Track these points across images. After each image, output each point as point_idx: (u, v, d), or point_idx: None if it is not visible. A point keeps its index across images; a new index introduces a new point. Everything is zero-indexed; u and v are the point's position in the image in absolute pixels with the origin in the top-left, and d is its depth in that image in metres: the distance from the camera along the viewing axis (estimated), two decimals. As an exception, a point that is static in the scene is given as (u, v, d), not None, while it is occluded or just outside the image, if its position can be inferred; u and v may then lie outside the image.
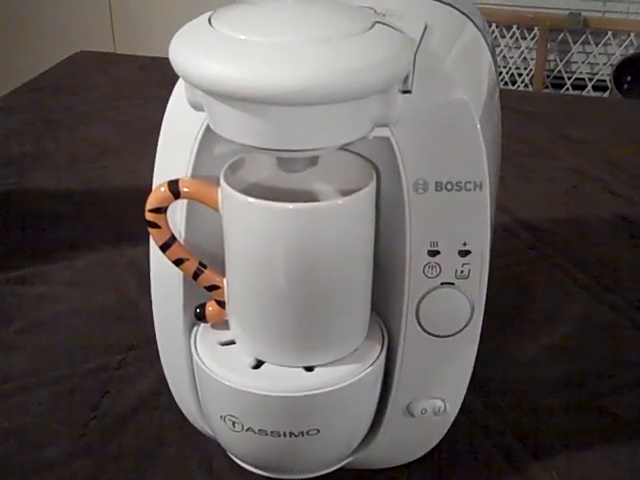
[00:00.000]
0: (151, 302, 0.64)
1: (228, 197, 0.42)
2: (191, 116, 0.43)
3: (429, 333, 0.44)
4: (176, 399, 0.50)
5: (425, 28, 0.43)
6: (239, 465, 0.47)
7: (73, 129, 0.99)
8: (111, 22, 2.34)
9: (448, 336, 0.44)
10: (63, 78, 1.17)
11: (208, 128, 0.43)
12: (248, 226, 0.41)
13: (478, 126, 0.41)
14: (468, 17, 0.51)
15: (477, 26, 0.52)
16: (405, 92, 0.40)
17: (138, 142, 0.96)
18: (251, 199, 0.40)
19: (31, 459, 0.49)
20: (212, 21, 0.38)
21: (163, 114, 1.05)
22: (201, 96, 0.39)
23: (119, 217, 0.79)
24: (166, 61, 1.19)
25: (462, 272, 0.43)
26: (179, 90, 0.45)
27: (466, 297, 0.43)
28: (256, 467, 0.47)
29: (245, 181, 0.43)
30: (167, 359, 0.49)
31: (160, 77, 1.17)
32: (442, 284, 0.43)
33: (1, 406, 0.54)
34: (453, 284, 0.43)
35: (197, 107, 0.41)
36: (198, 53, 0.36)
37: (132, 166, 0.90)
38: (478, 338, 0.44)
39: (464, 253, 0.43)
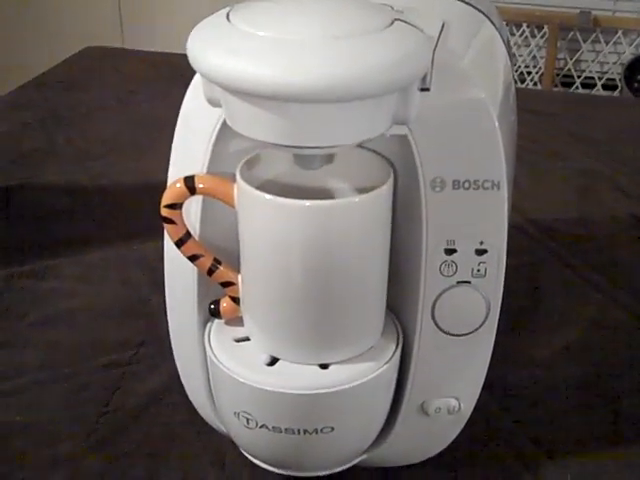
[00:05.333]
0: (162, 298, 0.64)
1: (244, 193, 0.41)
2: (207, 112, 0.43)
3: (445, 332, 0.44)
4: (189, 395, 0.50)
5: (443, 26, 0.43)
6: (252, 462, 0.47)
7: (83, 125, 0.99)
8: (120, 17, 2.34)
9: (464, 335, 0.44)
10: (72, 73, 1.17)
11: (224, 124, 0.43)
12: (264, 223, 0.41)
13: (496, 124, 0.41)
14: (486, 15, 0.51)
15: (494, 24, 0.52)
16: (423, 90, 0.40)
17: (148, 138, 0.96)
18: (267, 196, 0.40)
19: (44, 454, 0.49)
20: (230, 17, 0.38)
21: (173, 110, 1.04)
22: (218, 92, 0.39)
23: (130, 213, 0.79)
24: (176, 57, 1.21)
25: (479, 271, 0.43)
26: (195, 86, 0.44)
27: (482, 296, 0.43)
28: (269, 464, 0.46)
29: (261, 178, 0.43)
30: (180, 355, 0.49)
31: (170, 73, 1.16)
32: (458, 283, 0.43)
33: (14, 401, 0.54)
34: (469, 283, 0.43)
35: (214, 103, 0.41)
36: (216, 49, 0.36)
37: (143, 162, 0.90)
38: (494, 337, 0.44)
39: (481, 252, 0.42)
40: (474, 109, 0.41)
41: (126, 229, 0.76)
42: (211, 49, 0.36)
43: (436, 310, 0.43)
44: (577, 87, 2.20)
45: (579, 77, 2.21)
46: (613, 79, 2.21)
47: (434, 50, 0.39)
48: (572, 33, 2.15)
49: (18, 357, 0.58)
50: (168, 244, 0.46)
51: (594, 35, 2.15)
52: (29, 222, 0.76)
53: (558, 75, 2.21)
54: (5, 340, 0.60)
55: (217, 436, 0.50)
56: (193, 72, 1.03)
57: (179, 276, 0.47)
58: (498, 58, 0.51)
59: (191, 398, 0.50)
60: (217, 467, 0.49)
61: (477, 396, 0.46)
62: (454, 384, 0.45)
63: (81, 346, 0.59)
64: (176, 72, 1.19)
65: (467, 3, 0.50)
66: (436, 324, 0.44)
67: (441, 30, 0.42)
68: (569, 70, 2.21)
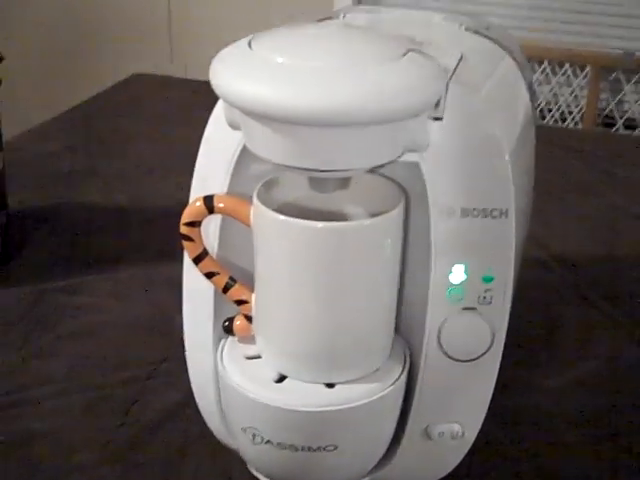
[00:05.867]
0: (185, 318, 0.66)
1: (259, 214, 0.43)
2: (229, 136, 0.45)
3: (450, 357, 0.45)
4: (201, 410, 0.51)
5: (461, 58, 0.45)
6: (258, 478, 0.48)
7: (124, 148, 1.02)
8: (170, 44, 2.40)
9: (469, 361, 0.45)
10: (117, 100, 1.21)
11: (244, 148, 0.45)
12: (278, 243, 0.43)
13: (507, 158, 0.42)
14: (507, 51, 0.52)
15: (516, 60, 0.53)
16: (436, 119, 0.41)
17: (185, 162, 0.98)
18: (282, 217, 0.42)
19: (60, 462, 0.51)
20: (252, 44, 0.40)
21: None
22: (239, 116, 0.41)
23: (164, 234, 0.81)
24: None
25: (485, 298, 0.44)
26: (218, 111, 0.46)
27: (487, 323, 0.44)
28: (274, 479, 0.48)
29: (278, 200, 0.45)
30: (194, 370, 0.50)
31: (209, 100, 1.20)
32: (464, 309, 0.44)
33: (37, 409, 0.55)
34: (475, 309, 0.44)
35: (235, 126, 0.43)
36: (237, 74, 0.38)
37: (179, 185, 0.92)
38: (498, 364, 0.45)
39: (488, 279, 0.43)
40: (485, 141, 0.42)
41: (158, 249, 0.78)
42: (232, 75, 0.38)
43: (442, 335, 0.44)
44: (618, 128, 2.19)
45: (621, 118, 2.20)
46: (656, 121, 2.20)
47: (449, 81, 0.41)
48: (615, 74, 2.15)
49: (44, 368, 0.60)
50: (187, 261, 0.48)
51: (637, 76, 2.15)
52: (66, 240, 0.78)
53: (600, 115, 2.21)
54: (34, 351, 0.62)
55: (226, 452, 0.51)
56: None
57: (196, 293, 0.48)
58: (517, 93, 0.52)
59: (203, 413, 0.51)
60: (224, 481, 0.50)
61: (481, 422, 0.46)
62: (458, 409, 0.46)
63: (105, 360, 0.61)
64: (215, 100, 1.24)
65: (490, 38, 0.52)
66: (441, 349, 0.44)
67: (458, 62, 0.44)
68: (611, 111, 2.20)
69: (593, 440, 0.54)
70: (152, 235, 0.81)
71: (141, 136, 1.06)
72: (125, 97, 1.22)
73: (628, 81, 2.15)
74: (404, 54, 0.39)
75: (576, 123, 2.18)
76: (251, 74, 0.38)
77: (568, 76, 2.16)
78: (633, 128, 2.18)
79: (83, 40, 2.36)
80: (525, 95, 0.53)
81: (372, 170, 0.42)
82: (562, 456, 0.52)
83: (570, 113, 2.19)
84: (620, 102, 2.20)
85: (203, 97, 1.38)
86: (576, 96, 2.19)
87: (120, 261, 0.75)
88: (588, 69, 2.12)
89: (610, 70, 2.14)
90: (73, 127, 1.09)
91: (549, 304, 0.69)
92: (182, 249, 0.78)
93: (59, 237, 0.79)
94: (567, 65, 2.13)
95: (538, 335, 0.64)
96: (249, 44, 0.40)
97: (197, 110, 1.18)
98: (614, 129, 2.18)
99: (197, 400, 0.51)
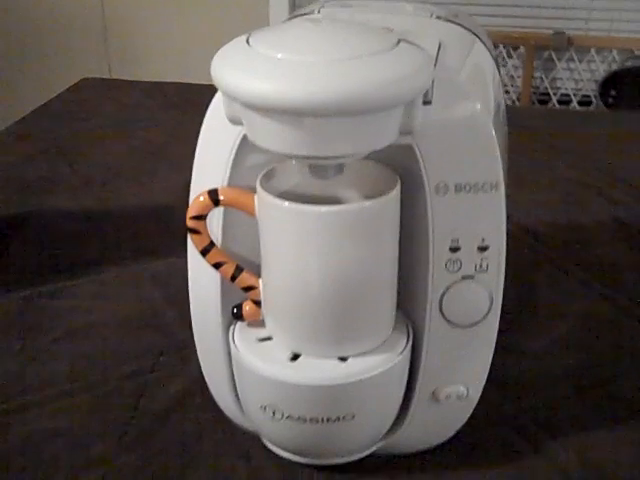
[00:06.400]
0: (176, 311, 0.68)
1: (264, 202, 0.45)
2: (227, 130, 0.47)
3: (452, 323, 0.48)
4: (214, 395, 0.53)
5: (439, 45, 0.48)
6: (276, 454, 0.51)
7: (85, 153, 1.03)
8: (106, 50, 2.38)
9: (469, 326, 0.48)
10: (70, 105, 1.21)
11: (242, 142, 0.47)
12: (283, 228, 0.45)
13: (493, 133, 0.45)
14: (477, 36, 0.55)
15: (485, 44, 0.56)
16: (426, 103, 0.44)
17: (148, 163, 1.00)
18: (286, 203, 0.44)
19: (79, 457, 0.52)
20: (250, 42, 0.42)
21: (169, 136, 1.10)
22: (240, 110, 0.43)
23: (136, 234, 0.83)
24: (167, 85, 1.27)
25: (481, 266, 0.47)
26: (214, 107, 0.48)
27: (485, 289, 0.47)
28: (294, 453, 0.50)
29: (277, 189, 0.47)
30: (205, 358, 0.52)
31: (163, 101, 1.21)
32: (463, 278, 0.47)
33: (45, 410, 0.56)
34: (473, 277, 0.47)
35: (235, 121, 0.44)
36: (240, 71, 0.40)
37: (145, 186, 0.94)
38: (497, 326, 0.48)
39: (483, 248, 0.46)
40: (472, 119, 0.45)
41: (136, 249, 0.79)
42: (234, 70, 0.40)
43: (443, 304, 0.47)
44: (553, 104, 2.27)
45: (555, 94, 2.28)
46: (588, 95, 2.28)
47: (434, 67, 0.44)
48: (547, 53, 2.22)
49: (46, 370, 0.61)
50: (192, 254, 0.49)
51: (568, 54, 2.23)
52: (43, 246, 0.79)
53: (535, 93, 2.28)
54: (31, 355, 0.63)
55: (240, 432, 0.53)
56: (185, 100, 1.11)
57: (203, 283, 0.50)
58: (489, 74, 0.56)
59: (216, 398, 0.53)
60: (244, 460, 0.52)
61: (484, 382, 0.50)
62: (462, 372, 0.49)
63: (104, 358, 0.62)
64: (170, 100, 1.25)
65: (459, 25, 0.55)
66: (444, 317, 0.48)
67: (438, 49, 0.47)
68: (545, 88, 2.28)
69: (581, 392, 0.58)
70: (128, 236, 0.82)
71: (100, 139, 1.07)
72: (77, 102, 1.22)
73: (560, 59, 2.23)
74: (396, 44, 0.41)
75: (513, 102, 2.25)
76: (255, 71, 0.40)
77: (503, 57, 2.22)
78: (567, 103, 2.26)
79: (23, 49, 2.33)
80: (497, 76, 0.57)
81: (367, 155, 0.44)
82: (554, 407, 0.56)
83: (507, 92, 2.26)
84: (553, 79, 2.27)
85: (156, 98, 1.39)
86: (512, 76, 2.25)
87: (101, 264, 0.76)
88: (522, 49, 2.19)
89: (542, 49, 2.21)
90: (28, 136, 1.09)
91: (522, 272, 0.73)
92: (158, 247, 0.80)
93: (35, 245, 0.80)
94: (501, 47, 2.20)
95: (516, 302, 0.68)
96: (247, 41, 0.42)
97: (152, 110, 1.19)
98: (549, 105, 2.25)
99: (210, 387, 0.53)
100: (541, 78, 2.26)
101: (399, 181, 0.46)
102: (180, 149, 1.02)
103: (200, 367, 0.54)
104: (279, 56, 0.40)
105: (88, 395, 0.58)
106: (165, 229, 0.82)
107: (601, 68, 2.25)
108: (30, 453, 0.53)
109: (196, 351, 0.53)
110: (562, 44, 2.16)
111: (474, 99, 0.45)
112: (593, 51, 2.23)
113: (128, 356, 0.63)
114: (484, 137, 0.45)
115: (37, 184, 0.94)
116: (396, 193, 0.45)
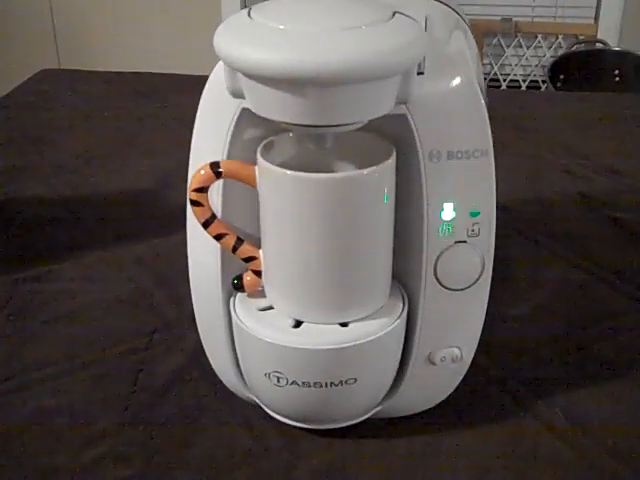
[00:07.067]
0: (164, 291, 0.69)
1: (265, 172, 0.47)
2: (225, 104, 0.48)
3: (446, 287, 0.50)
4: (214, 366, 0.54)
5: (426, 19, 0.49)
6: (277, 421, 0.52)
7: (54, 142, 1.02)
8: (55, 40, 2.36)
9: (463, 289, 0.50)
10: (32, 95, 1.20)
11: (241, 115, 0.48)
12: (284, 197, 0.47)
13: (482, 101, 0.47)
14: (457, 12, 0.57)
15: (464, 21, 0.58)
16: (419, 74, 0.46)
17: (118, 150, 1.00)
18: (288, 171, 0.45)
19: (83, 431, 0.53)
20: (251, 14, 0.43)
21: (136, 123, 1.10)
22: (243, 82, 0.44)
23: (115, 218, 0.83)
24: (128, 75, 1.28)
25: (473, 231, 0.49)
26: (212, 83, 0.49)
27: (477, 253, 0.49)
28: (296, 419, 0.52)
29: (276, 160, 0.48)
30: (206, 331, 0.53)
31: (126, 90, 1.21)
32: (456, 242, 0.49)
33: (44, 389, 0.57)
34: (466, 242, 0.49)
35: (236, 94, 0.45)
36: (244, 42, 0.41)
37: (117, 172, 0.94)
38: (489, 289, 0.50)
39: (474, 214, 0.49)
40: (462, 89, 0.47)
41: (115, 233, 0.79)
42: (238, 42, 0.41)
43: (438, 268, 0.49)
44: (503, 90, 2.32)
45: (504, 80, 2.33)
46: (536, 80, 2.34)
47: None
48: (496, 39, 2.27)
49: (40, 352, 0.61)
50: (191, 227, 0.50)
51: (516, 40, 2.28)
52: (23, 232, 0.79)
53: (485, 79, 2.33)
54: (23, 338, 0.63)
55: (240, 402, 0.55)
56: (146, 88, 1.12)
57: (202, 257, 0.51)
58: (472, 48, 0.58)
59: (217, 370, 0.54)
60: (245, 428, 0.53)
61: (476, 345, 0.52)
62: (456, 334, 0.52)
63: (97, 338, 0.63)
64: (133, 90, 1.24)
65: (441, 2, 0.57)
66: (438, 281, 0.50)
67: (426, 22, 0.49)
68: (495, 74, 2.33)
69: (563, 353, 0.61)
70: (104, 221, 0.82)
71: (68, 128, 1.06)
72: (39, 93, 1.21)
73: (508, 46, 2.28)
74: (392, 16, 0.43)
75: (465, 88, 2.29)
76: (259, 42, 0.41)
77: (454, 44, 2.26)
78: (516, 89, 2.31)
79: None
80: (476, 49, 0.59)
81: (364, 126, 0.46)
82: (540, 369, 0.59)
83: (459, 79, 2.30)
84: (502, 65, 2.32)
85: (118, 87, 1.38)
86: (463, 62, 2.29)
87: (83, 248, 0.76)
88: (472, 36, 2.23)
89: (491, 36, 2.26)
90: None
91: (495, 243, 0.75)
92: (138, 230, 0.80)
93: (14, 232, 0.79)
94: (452, 33, 2.24)
95: (493, 272, 0.70)
96: (249, 14, 0.43)
97: (116, 100, 1.19)
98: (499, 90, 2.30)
99: (210, 359, 0.54)
100: (490, 64, 2.31)
101: (395, 150, 0.48)
102: (149, 136, 1.03)
103: (195, 343, 0.55)
104: (282, 27, 0.41)
105: (87, 373, 0.59)
106: (145, 213, 0.83)
107: (548, 54, 2.31)
108: (33, 431, 0.53)
109: (189, 328, 0.54)
110: (510, 30, 2.21)
111: (463, 69, 0.47)
112: (540, 37, 2.28)
113: (122, 335, 0.63)
114: (474, 105, 0.47)
115: (7, 173, 0.93)
116: (392, 161, 0.47)
